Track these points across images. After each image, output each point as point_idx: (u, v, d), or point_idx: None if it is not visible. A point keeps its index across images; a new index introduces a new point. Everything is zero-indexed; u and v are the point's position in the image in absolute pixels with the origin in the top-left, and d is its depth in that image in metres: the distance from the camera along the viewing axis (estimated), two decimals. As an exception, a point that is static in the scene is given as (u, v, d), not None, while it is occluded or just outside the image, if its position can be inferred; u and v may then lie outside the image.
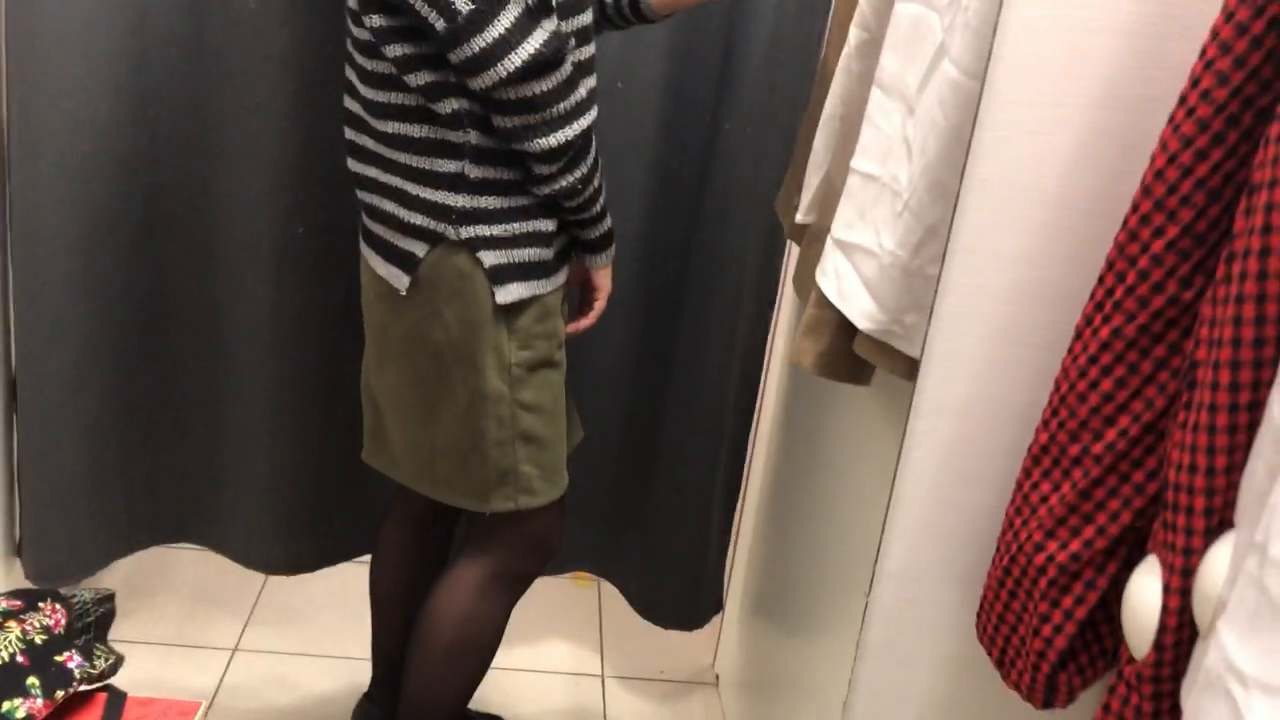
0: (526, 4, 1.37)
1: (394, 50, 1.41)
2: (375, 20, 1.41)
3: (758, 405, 2.18)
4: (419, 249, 1.50)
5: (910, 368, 1.28)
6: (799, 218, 1.54)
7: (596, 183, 1.52)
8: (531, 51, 1.36)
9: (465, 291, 1.49)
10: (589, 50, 1.52)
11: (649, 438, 2.17)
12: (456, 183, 1.46)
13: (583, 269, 1.66)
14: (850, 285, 1.31)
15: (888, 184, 1.29)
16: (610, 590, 2.36)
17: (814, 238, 1.55)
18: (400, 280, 1.52)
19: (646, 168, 2.01)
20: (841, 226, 1.35)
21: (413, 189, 1.48)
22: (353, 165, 1.57)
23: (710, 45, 1.96)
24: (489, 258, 1.48)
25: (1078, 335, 0.84)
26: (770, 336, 2.12)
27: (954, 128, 1.17)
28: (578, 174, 1.48)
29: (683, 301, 2.08)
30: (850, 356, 1.36)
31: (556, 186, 1.47)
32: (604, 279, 1.67)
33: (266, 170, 1.87)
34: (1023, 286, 0.89)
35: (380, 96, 1.47)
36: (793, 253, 2.05)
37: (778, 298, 2.12)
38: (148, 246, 1.93)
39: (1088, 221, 0.87)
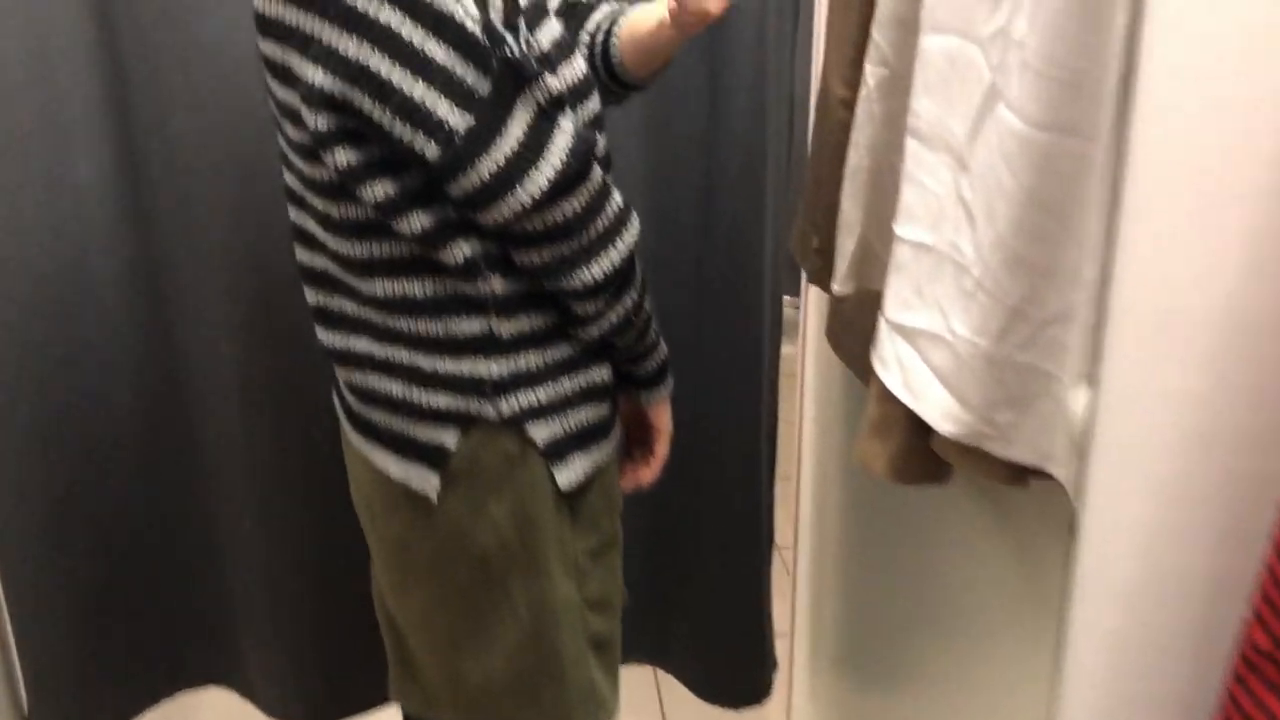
0: (537, 102, 1.03)
1: (373, 192, 1.06)
2: (341, 158, 1.04)
3: (798, 460, 1.97)
4: (449, 438, 1.15)
5: (1010, 473, 1.07)
6: (836, 288, 1.33)
7: (648, 306, 1.21)
8: (557, 167, 1.04)
9: (517, 480, 1.17)
10: (603, 140, 1.20)
11: (681, 513, 1.97)
12: (485, 345, 1.13)
13: (635, 406, 1.32)
14: (920, 378, 1.10)
15: (947, 254, 1.08)
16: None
17: (859, 304, 1.33)
18: (427, 482, 1.16)
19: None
20: (897, 307, 1.14)
21: (428, 362, 1.14)
22: (325, 338, 1.21)
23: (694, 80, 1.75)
24: (541, 432, 1.16)
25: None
26: (799, 397, 1.92)
27: (1027, 190, 0.95)
28: (627, 304, 1.16)
29: (701, 364, 1.87)
30: (929, 455, 1.15)
31: (605, 326, 1.16)
32: (664, 417, 1.32)
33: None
34: (1194, 430, 0.69)
35: (359, 250, 1.11)
36: (811, 293, 1.85)
37: (800, 337, 1.92)
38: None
39: (1273, 342, 0.66)
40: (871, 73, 1.21)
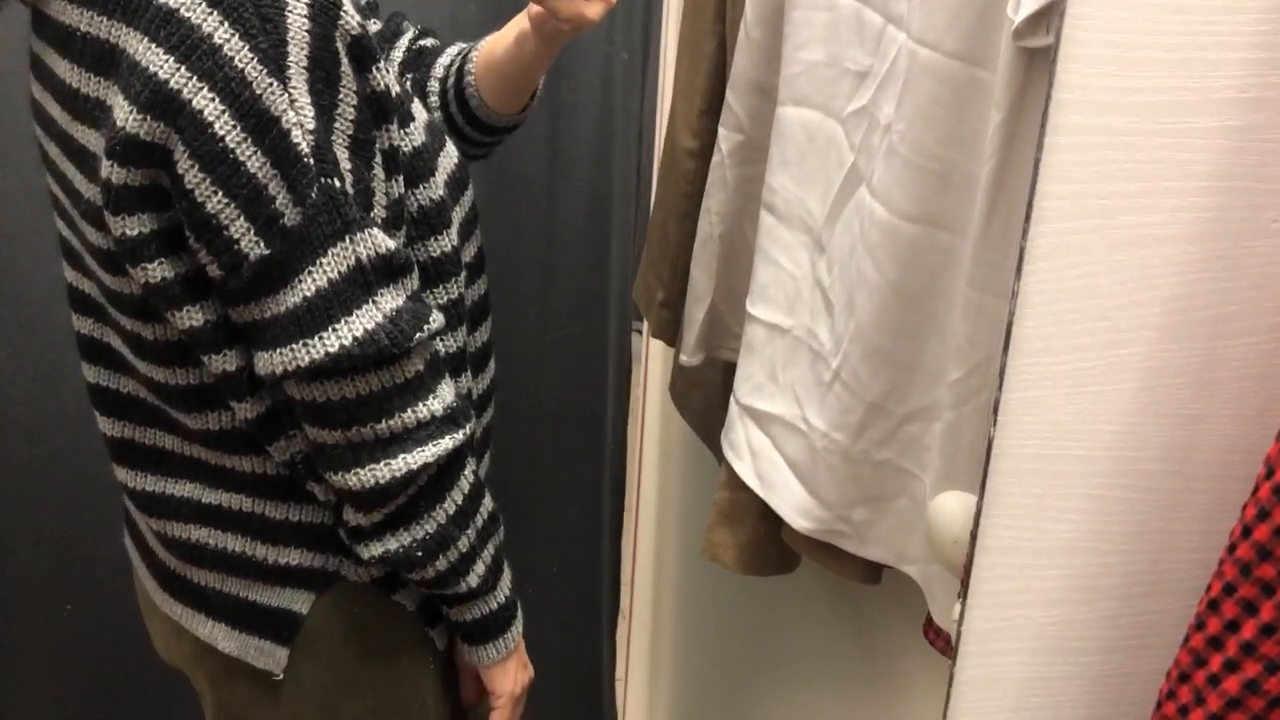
0: (359, 259, 0.80)
1: (186, 317, 0.83)
2: (151, 272, 0.81)
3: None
4: (301, 602, 0.95)
5: (865, 570, 1.02)
6: (684, 359, 1.26)
7: (464, 549, 0.92)
8: (347, 343, 0.81)
9: (391, 643, 0.98)
10: (474, 241, 0.99)
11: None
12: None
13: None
14: (773, 469, 1.04)
15: (803, 340, 1.02)
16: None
17: (707, 367, 1.27)
18: (270, 658, 0.95)
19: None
20: (749, 390, 1.08)
21: (276, 510, 0.93)
22: (130, 479, 0.97)
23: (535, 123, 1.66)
24: (413, 592, 0.97)
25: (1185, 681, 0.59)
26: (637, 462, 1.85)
27: (890, 282, 0.90)
28: (416, 536, 0.89)
29: (542, 414, 1.79)
30: (781, 545, 1.09)
31: (377, 549, 0.89)
32: (501, 680, 1.00)
33: None
34: (1075, 582, 0.64)
35: (181, 376, 0.89)
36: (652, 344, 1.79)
37: (642, 383, 1.85)
38: None
39: (1156, 485, 0.62)
40: (725, 137, 1.14)
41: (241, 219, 0.77)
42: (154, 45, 0.75)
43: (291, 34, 0.75)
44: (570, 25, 0.98)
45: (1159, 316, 0.59)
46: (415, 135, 0.89)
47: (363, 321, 0.81)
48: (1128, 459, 0.61)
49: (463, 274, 0.94)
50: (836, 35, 0.97)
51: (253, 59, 0.74)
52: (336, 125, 0.79)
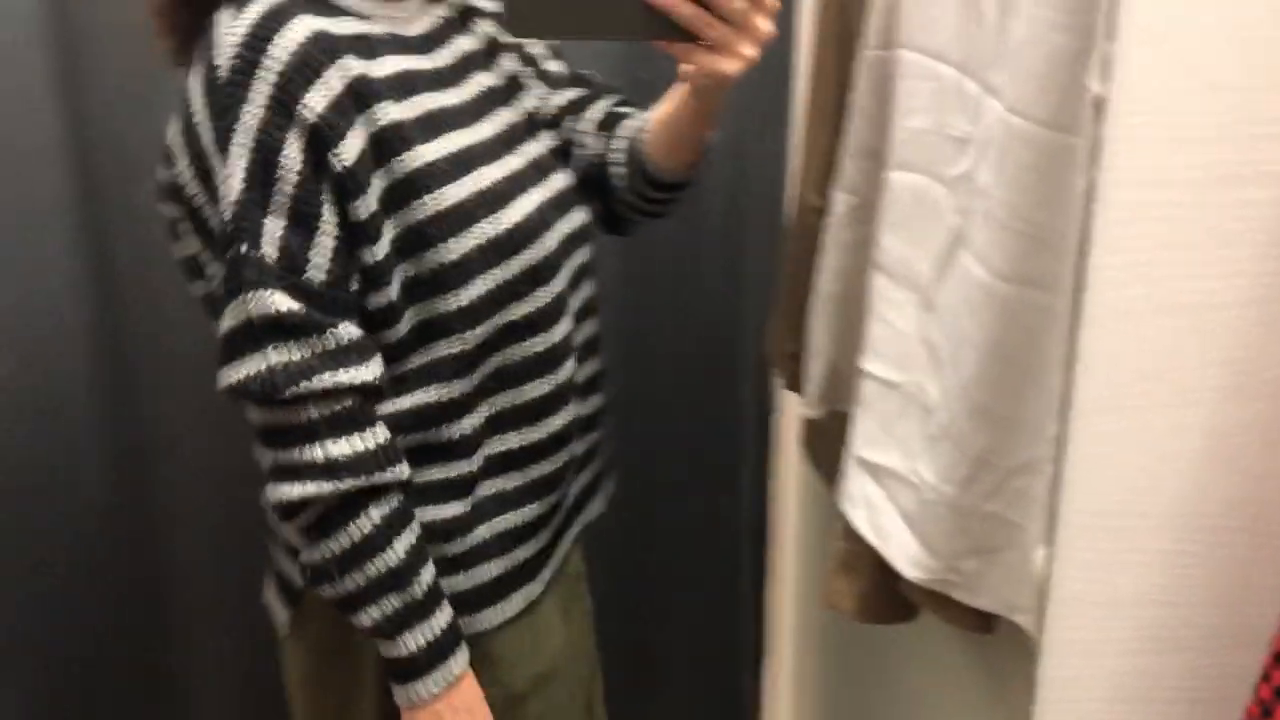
0: (249, 315, 0.93)
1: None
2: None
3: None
4: (298, 576, 1.10)
5: (976, 620, 1.04)
6: (806, 410, 1.30)
7: (350, 589, 0.99)
8: (236, 379, 0.95)
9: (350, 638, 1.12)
10: (453, 302, 1.02)
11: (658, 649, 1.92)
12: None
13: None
14: (887, 520, 1.08)
15: (913, 394, 1.06)
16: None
17: (831, 421, 1.31)
18: (278, 616, 1.16)
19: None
20: (864, 443, 1.12)
21: None
22: None
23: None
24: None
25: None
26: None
27: (991, 340, 0.94)
28: (309, 559, 1.00)
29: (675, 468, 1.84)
30: (897, 594, 1.12)
31: (307, 559, 1.01)
32: None
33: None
34: (1151, 633, 0.66)
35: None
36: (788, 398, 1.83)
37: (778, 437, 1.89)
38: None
39: (1228, 540, 0.64)
40: (841, 200, 1.19)
41: (209, 254, 1.03)
42: (176, 112, 1.01)
43: (241, 121, 0.93)
44: (712, 80, 1.05)
45: (1221, 378, 0.61)
46: (426, 207, 1.00)
47: (247, 367, 0.94)
48: (1196, 515, 0.63)
49: (477, 329, 1.04)
50: (940, 104, 1.01)
51: (211, 138, 0.95)
52: (274, 198, 0.93)
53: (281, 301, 0.93)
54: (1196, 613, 0.65)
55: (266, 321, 0.93)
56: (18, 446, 1.57)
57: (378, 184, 0.97)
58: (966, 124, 0.97)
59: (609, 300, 1.32)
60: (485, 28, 1.15)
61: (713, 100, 1.12)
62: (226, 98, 0.93)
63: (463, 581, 1.08)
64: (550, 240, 1.08)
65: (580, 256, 1.15)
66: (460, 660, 1.03)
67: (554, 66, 1.22)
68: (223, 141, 0.93)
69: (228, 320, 0.95)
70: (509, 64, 1.16)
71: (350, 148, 0.95)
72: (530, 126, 1.15)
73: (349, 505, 0.97)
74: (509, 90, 1.15)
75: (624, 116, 1.23)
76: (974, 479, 0.98)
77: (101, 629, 1.67)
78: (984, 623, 1.04)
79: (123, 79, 1.48)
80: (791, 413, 1.88)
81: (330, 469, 0.96)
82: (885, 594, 1.13)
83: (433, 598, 1.02)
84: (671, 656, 1.94)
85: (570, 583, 1.25)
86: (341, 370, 0.95)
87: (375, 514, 0.98)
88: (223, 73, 0.93)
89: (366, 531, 0.98)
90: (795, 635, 1.89)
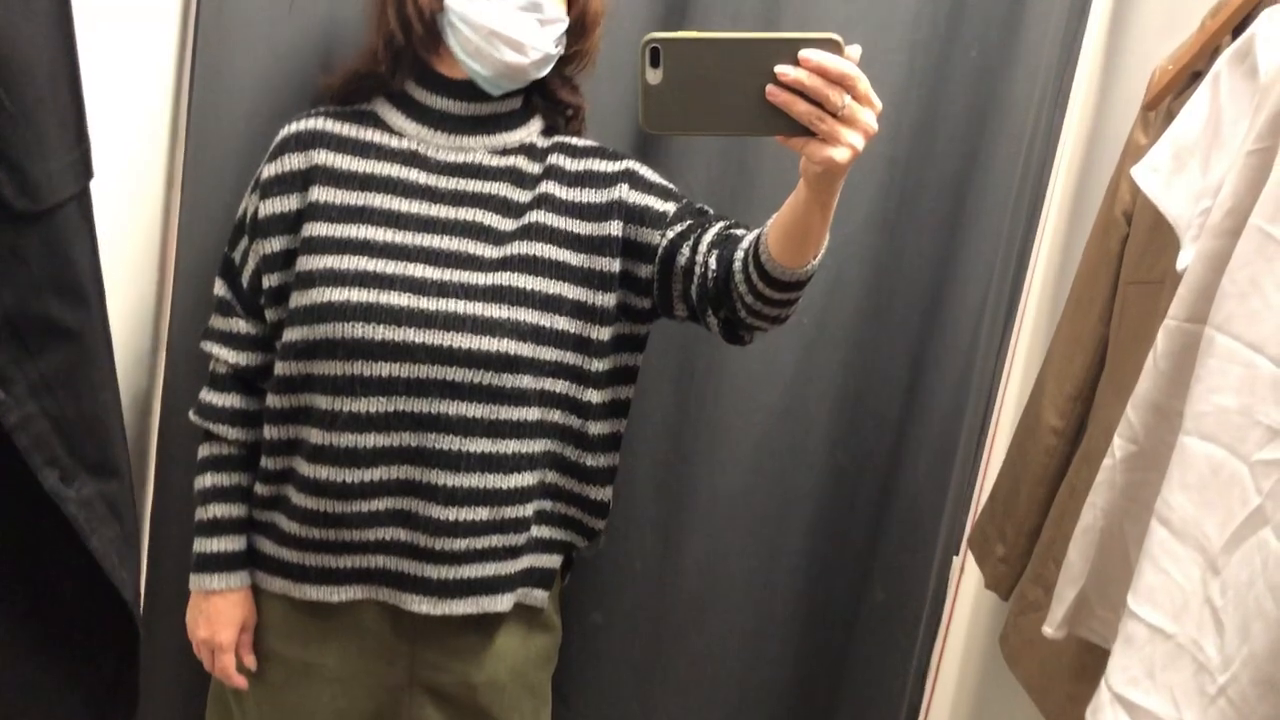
0: (217, 300, 1.47)
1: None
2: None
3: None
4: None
5: None
6: (1049, 630, 1.38)
7: (195, 489, 1.47)
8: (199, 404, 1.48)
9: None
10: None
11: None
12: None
13: None
14: (1144, 759, 1.15)
15: (1187, 648, 1.13)
16: None
17: (1036, 637, 1.39)
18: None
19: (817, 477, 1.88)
20: (1124, 681, 1.19)
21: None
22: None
23: (895, 361, 1.85)
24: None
25: None
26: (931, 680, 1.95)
27: (1290, 621, 1.02)
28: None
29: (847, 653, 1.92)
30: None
31: None
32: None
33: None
34: None
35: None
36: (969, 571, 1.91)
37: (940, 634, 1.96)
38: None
39: None
40: (1120, 446, 1.28)
41: None
42: None
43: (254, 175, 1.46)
44: (823, 167, 1.12)
45: None
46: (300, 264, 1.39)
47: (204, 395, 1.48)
48: None
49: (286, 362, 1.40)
50: (1252, 390, 1.10)
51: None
52: (239, 226, 1.44)
53: (221, 289, 1.45)
54: None
55: (215, 297, 1.45)
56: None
57: (284, 237, 1.39)
58: (1281, 417, 1.06)
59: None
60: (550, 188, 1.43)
61: (826, 190, 1.18)
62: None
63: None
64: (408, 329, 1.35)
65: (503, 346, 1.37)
66: (215, 581, 1.42)
67: (659, 206, 1.42)
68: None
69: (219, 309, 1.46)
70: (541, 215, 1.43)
71: (276, 206, 1.39)
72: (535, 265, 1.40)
73: (201, 436, 1.47)
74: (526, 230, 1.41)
75: (739, 230, 1.37)
76: (1249, 743, 1.05)
77: None
78: None
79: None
80: (965, 601, 1.95)
81: (198, 405, 1.46)
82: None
83: (212, 528, 1.43)
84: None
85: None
86: (224, 347, 1.44)
87: (204, 450, 1.46)
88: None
89: (199, 458, 1.47)
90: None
